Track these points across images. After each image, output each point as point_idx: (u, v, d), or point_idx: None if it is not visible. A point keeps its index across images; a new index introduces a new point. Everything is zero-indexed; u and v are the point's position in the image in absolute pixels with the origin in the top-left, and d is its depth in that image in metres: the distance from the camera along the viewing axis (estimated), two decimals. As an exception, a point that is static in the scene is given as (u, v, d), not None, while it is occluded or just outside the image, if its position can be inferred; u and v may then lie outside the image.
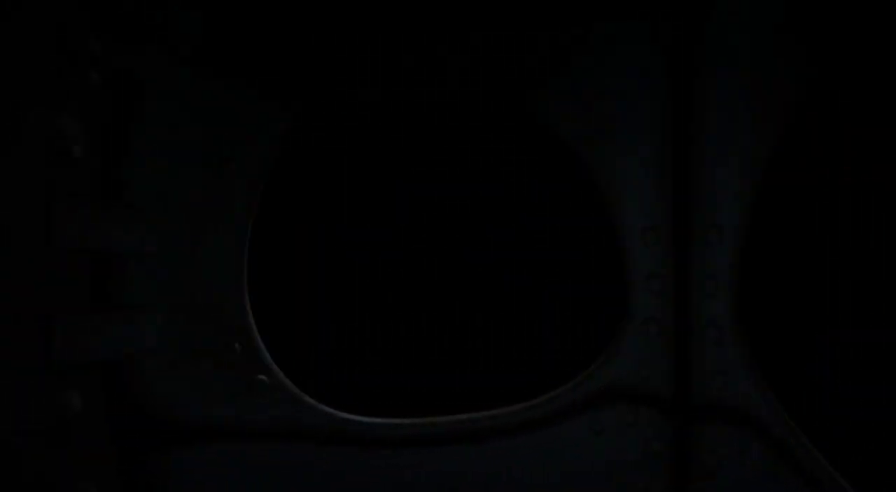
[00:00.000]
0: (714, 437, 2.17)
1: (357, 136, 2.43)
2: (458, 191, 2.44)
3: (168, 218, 2.20)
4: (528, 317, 2.41)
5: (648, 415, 2.21)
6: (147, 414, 2.19)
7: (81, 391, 1.97)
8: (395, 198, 2.45)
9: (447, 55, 2.25)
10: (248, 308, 2.28)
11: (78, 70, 1.92)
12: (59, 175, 1.87)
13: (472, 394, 2.39)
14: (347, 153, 2.45)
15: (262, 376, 2.29)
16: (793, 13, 2.09)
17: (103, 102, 2.01)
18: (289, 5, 2.24)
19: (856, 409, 2.19)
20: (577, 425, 2.26)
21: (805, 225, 2.21)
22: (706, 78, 2.16)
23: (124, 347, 2.07)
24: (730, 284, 2.15)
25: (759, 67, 2.13)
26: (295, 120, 2.27)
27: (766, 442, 2.13)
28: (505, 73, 2.25)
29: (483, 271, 2.44)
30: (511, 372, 2.40)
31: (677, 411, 2.20)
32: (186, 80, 2.20)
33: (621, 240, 2.23)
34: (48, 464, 1.82)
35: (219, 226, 2.26)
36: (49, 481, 1.82)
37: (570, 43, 2.21)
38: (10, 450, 1.71)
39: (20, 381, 1.74)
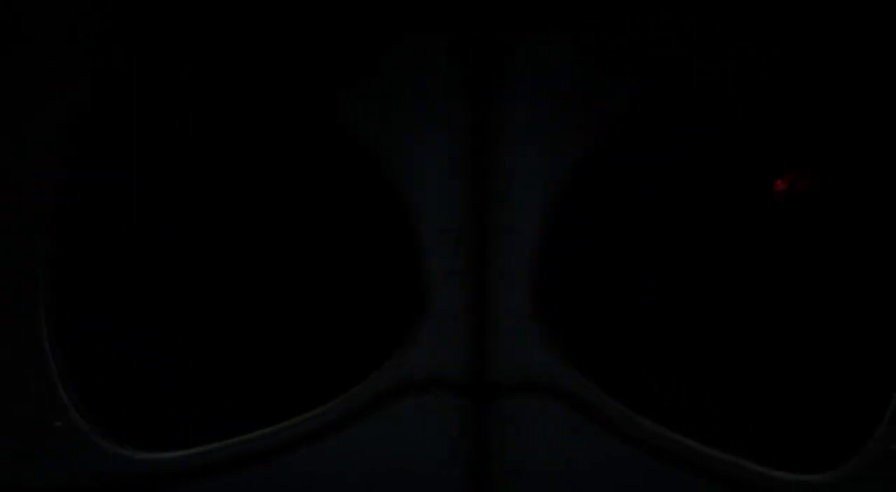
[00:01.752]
0: (512, 409, 2.28)
1: (162, 123, 2.36)
2: (259, 191, 2.42)
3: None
4: (324, 317, 2.44)
5: (446, 401, 2.28)
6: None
7: None
8: (192, 194, 2.40)
9: (248, 44, 2.23)
10: (44, 335, 2.13)
11: None
12: None
13: (275, 402, 2.37)
14: (152, 142, 2.36)
15: (59, 423, 2.17)
16: (591, 44, 2.23)
17: None
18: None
19: (632, 369, 2.41)
20: (377, 421, 2.30)
21: (599, 226, 2.40)
22: (506, 89, 2.26)
23: None
24: (526, 278, 2.27)
25: (560, 83, 2.25)
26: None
27: (562, 401, 2.26)
28: (306, 69, 2.25)
29: (281, 273, 2.44)
30: (312, 377, 2.41)
31: (474, 393, 2.29)
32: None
33: (420, 240, 2.28)
34: None
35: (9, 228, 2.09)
36: None
37: (372, 47, 2.25)
38: None
39: None
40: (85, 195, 2.33)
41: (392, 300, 2.40)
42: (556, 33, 2.21)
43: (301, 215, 2.44)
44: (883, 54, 2.09)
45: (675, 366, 2.37)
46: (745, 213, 2.35)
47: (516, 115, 2.24)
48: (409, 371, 2.28)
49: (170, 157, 2.40)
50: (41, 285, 2.16)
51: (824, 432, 2.24)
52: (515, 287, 2.26)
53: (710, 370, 2.36)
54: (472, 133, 2.26)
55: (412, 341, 2.29)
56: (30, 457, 2.13)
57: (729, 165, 2.35)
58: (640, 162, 2.36)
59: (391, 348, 2.33)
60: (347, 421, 2.30)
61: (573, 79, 2.23)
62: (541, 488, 2.27)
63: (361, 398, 2.29)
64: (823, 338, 2.30)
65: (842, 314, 2.30)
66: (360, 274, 2.44)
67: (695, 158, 2.35)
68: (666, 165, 2.35)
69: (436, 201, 2.27)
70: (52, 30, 2.15)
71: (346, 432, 2.29)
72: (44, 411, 2.14)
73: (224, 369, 2.43)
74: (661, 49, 2.18)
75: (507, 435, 2.25)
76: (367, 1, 2.22)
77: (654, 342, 2.39)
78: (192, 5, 2.18)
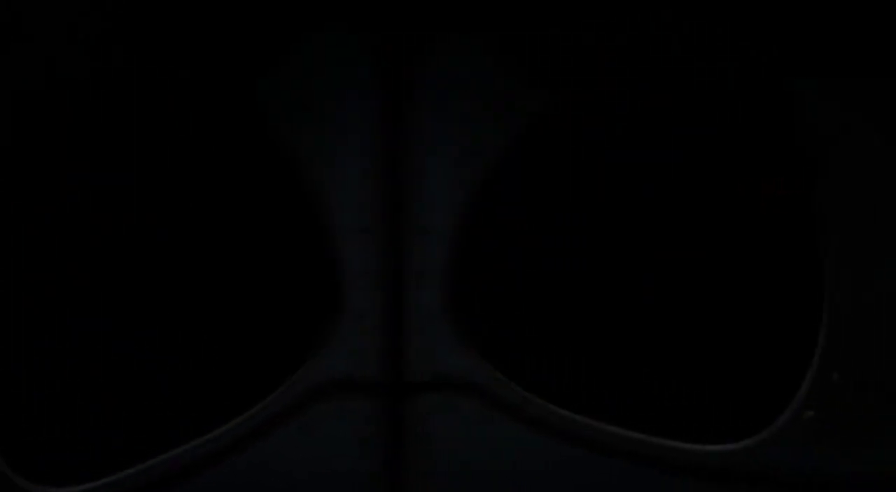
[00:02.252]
0: (427, 408, 2.29)
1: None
2: (172, 183, 2.39)
3: None
4: (236, 321, 2.41)
5: (362, 402, 2.29)
6: None
7: None
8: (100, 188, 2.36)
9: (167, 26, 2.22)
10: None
11: None
12: None
13: (189, 417, 2.34)
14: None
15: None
16: (511, 48, 2.27)
17: None
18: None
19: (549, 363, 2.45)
20: (292, 429, 2.28)
21: (517, 225, 2.43)
22: (422, 88, 2.28)
23: None
24: (442, 278, 2.30)
25: (477, 83, 2.28)
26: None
27: (478, 398, 2.30)
28: (226, 57, 2.24)
29: (192, 276, 2.41)
30: (224, 387, 2.38)
31: (391, 393, 2.30)
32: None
33: (335, 240, 2.28)
34: None
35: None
36: None
37: (283, 41, 2.23)
38: None
39: None
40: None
41: (307, 302, 2.39)
42: (474, 33, 2.27)
43: (213, 214, 2.41)
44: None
45: (592, 357, 2.46)
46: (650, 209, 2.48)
47: (433, 114, 2.29)
48: (326, 374, 2.29)
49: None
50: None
51: (746, 407, 2.38)
52: (431, 286, 2.30)
53: (627, 357, 2.46)
54: (388, 131, 2.29)
55: (327, 343, 2.30)
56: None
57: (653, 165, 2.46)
58: (558, 161, 2.44)
59: (306, 352, 2.33)
60: (262, 432, 2.28)
61: (490, 78, 2.28)
62: (460, 485, 2.31)
63: (277, 407, 2.29)
64: (742, 320, 2.43)
65: (760, 300, 2.43)
66: (273, 276, 2.42)
67: (605, 160, 2.46)
68: (584, 163, 2.45)
69: (351, 200, 2.29)
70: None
71: (260, 444, 2.28)
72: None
73: (129, 386, 2.39)
74: (574, 54, 2.28)
75: (425, 434, 2.28)
76: None
77: (570, 337, 2.46)
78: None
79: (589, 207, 2.45)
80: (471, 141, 2.30)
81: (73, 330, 2.36)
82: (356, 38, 2.26)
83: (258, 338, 2.42)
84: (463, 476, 2.32)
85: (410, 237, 2.30)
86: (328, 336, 2.30)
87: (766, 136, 2.37)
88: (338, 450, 2.29)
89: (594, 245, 2.45)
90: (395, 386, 2.30)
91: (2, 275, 2.35)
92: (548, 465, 2.33)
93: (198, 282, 2.42)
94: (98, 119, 2.34)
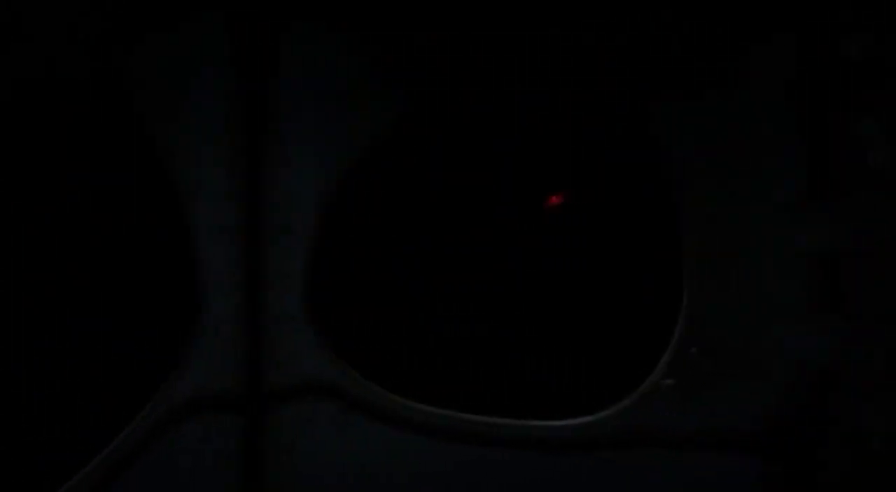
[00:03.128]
0: (288, 416, 2.24)
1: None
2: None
3: None
4: (88, 332, 2.31)
5: (225, 416, 2.21)
6: None
7: None
8: None
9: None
10: None
11: None
12: None
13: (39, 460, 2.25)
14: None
15: None
16: (372, 48, 2.27)
17: None
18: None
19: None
20: (157, 457, 2.20)
21: (372, 228, 2.45)
22: (281, 88, 2.23)
23: None
24: (302, 280, 2.24)
25: (340, 80, 2.24)
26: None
27: (340, 401, 2.26)
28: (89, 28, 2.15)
29: (32, 283, 2.30)
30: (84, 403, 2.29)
31: (252, 405, 2.23)
32: None
33: (194, 240, 2.20)
34: None
35: None
36: None
37: (145, 16, 2.16)
38: None
39: None
40: None
41: (163, 309, 2.30)
42: (337, 27, 2.23)
43: (65, 212, 2.33)
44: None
45: (456, 353, 2.49)
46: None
47: (294, 112, 2.24)
48: (185, 391, 2.20)
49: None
50: None
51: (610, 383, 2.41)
52: (291, 289, 2.23)
53: (493, 348, 2.50)
54: (249, 129, 2.23)
55: (187, 358, 2.21)
56: None
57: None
58: (416, 162, 2.44)
59: (165, 364, 2.23)
60: (127, 462, 2.20)
61: (352, 77, 2.25)
62: (326, 490, 2.28)
63: (139, 434, 2.19)
64: (604, 306, 2.49)
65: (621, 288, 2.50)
66: (125, 281, 2.33)
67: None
68: (442, 164, 2.46)
69: (208, 198, 2.21)
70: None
71: (126, 476, 2.20)
72: None
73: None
74: (435, 55, 2.26)
75: (288, 442, 2.23)
76: None
77: (432, 334, 2.48)
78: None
79: (445, 208, 2.46)
80: (331, 141, 2.27)
81: None
82: (212, 22, 2.20)
83: (112, 353, 2.34)
84: (329, 480, 2.26)
85: (274, 238, 2.24)
86: (186, 347, 2.22)
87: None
88: (200, 467, 2.21)
89: (451, 245, 2.46)
90: (256, 396, 2.24)
91: None
92: (414, 462, 2.30)
93: (45, 289, 2.34)
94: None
